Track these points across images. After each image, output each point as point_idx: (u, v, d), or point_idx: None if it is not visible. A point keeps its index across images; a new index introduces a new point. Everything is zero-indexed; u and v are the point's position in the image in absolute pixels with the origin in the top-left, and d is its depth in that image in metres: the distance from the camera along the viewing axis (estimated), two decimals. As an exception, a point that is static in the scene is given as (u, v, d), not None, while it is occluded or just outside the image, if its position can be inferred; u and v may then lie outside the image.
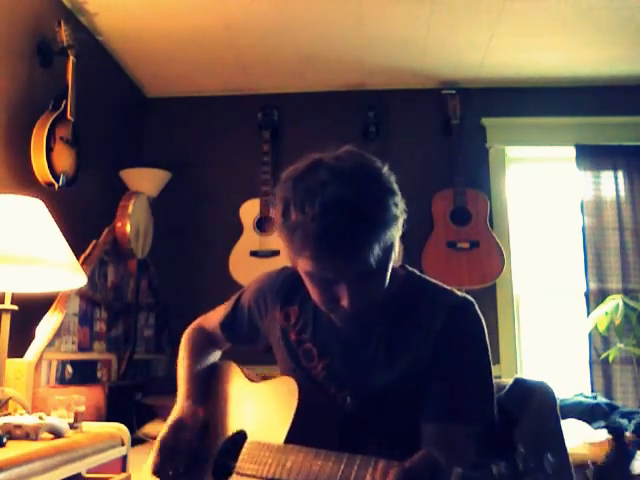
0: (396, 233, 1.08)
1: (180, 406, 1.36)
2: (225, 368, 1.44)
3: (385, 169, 1.09)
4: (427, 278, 1.23)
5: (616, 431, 0.66)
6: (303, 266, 1.08)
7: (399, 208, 1.07)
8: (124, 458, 1.93)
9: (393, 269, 1.21)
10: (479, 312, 1.15)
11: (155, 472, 1.27)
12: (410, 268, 1.24)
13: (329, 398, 1.18)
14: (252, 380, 1.35)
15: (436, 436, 1.05)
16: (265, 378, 1.30)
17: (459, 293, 1.18)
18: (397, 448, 0.94)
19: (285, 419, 1.11)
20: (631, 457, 0.64)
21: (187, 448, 1.30)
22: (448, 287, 1.19)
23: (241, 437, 1.23)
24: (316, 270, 1.06)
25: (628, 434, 2.50)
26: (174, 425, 1.31)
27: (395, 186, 1.08)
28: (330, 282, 1.06)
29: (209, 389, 1.42)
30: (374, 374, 1.15)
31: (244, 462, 1.16)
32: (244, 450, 1.19)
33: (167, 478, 1.28)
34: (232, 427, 1.29)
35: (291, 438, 1.09)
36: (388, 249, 1.07)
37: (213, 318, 1.46)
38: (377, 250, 1.03)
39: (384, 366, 1.14)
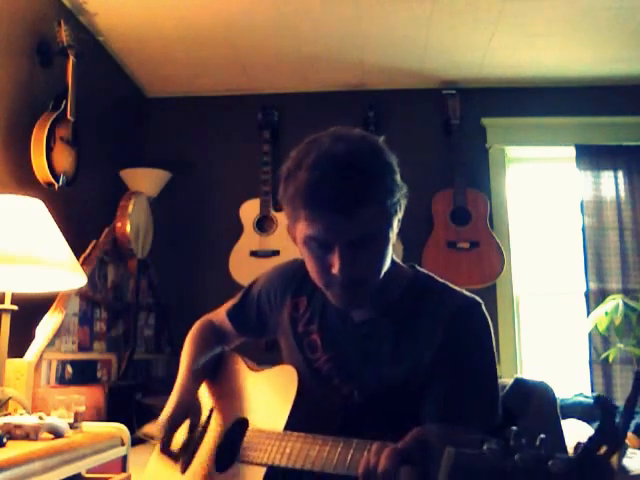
0: (394, 212, 1.09)
1: (179, 385, 1.38)
2: (228, 358, 1.45)
3: (386, 148, 1.12)
4: (436, 278, 1.22)
5: (602, 401, 0.65)
6: (299, 232, 1.09)
7: (397, 186, 1.09)
8: (124, 458, 1.93)
9: (402, 268, 1.22)
10: (486, 314, 1.14)
11: (163, 449, 1.32)
12: (419, 268, 1.24)
13: (332, 390, 1.18)
14: (253, 369, 1.36)
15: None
16: None
17: (467, 294, 1.17)
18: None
19: (284, 407, 1.13)
20: (621, 430, 0.64)
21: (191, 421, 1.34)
22: (457, 287, 1.19)
23: (244, 425, 1.24)
24: (309, 229, 1.06)
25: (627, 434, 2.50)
26: (177, 402, 1.34)
27: (394, 165, 1.10)
28: (324, 248, 1.07)
29: (212, 378, 1.43)
30: (378, 370, 1.15)
31: (246, 450, 1.17)
32: (246, 438, 1.20)
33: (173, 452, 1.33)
34: (235, 415, 1.30)
35: (291, 426, 1.10)
36: (383, 223, 1.08)
37: (221, 310, 1.48)
38: (367, 212, 1.04)
39: (389, 363, 1.14)
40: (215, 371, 1.44)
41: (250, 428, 1.22)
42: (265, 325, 1.38)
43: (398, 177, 1.10)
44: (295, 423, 1.10)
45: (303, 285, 1.28)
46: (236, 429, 1.25)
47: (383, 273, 1.12)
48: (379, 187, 1.06)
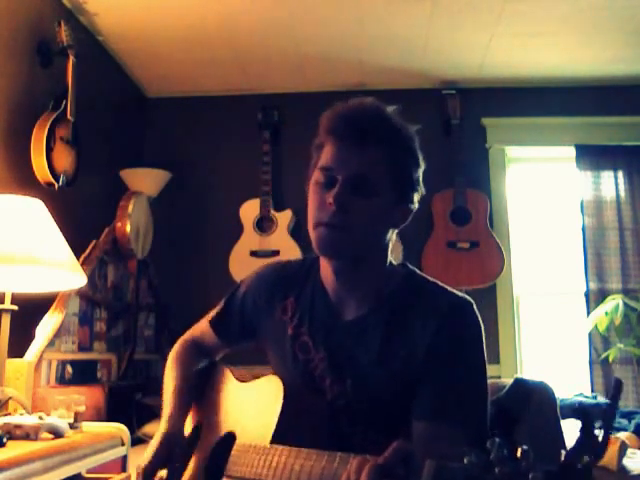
0: (401, 179, 1.17)
1: (165, 424, 1.30)
2: (214, 371, 1.43)
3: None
4: (427, 277, 1.22)
5: (581, 411, 0.65)
6: (314, 176, 1.16)
7: (412, 160, 1.22)
8: (124, 458, 1.93)
9: (394, 266, 1.22)
10: (477, 313, 1.14)
11: None
12: (411, 266, 1.24)
13: (323, 393, 1.17)
14: (240, 380, 1.34)
15: (422, 436, 1.05)
16: (257, 377, 1.28)
17: (458, 293, 1.17)
18: (386, 446, 0.94)
19: (271, 419, 1.11)
20: (603, 439, 0.63)
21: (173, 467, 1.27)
22: (448, 287, 1.18)
23: (232, 438, 1.22)
24: (323, 159, 1.14)
25: (627, 434, 2.50)
26: (162, 442, 1.26)
27: (416, 147, 1.25)
28: (328, 187, 1.11)
29: (201, 394, 1.40)
30: (369, 368, 1.14)
31: (234, 464, 1.16)
32: (233, 452, 1.18)
33: None
34: (223, 429, 1.28)
35: (278, 437, 1.09)
36: (385, 175, 1.13)
37: (203, 321, 1.46)
38: (372, 153, 1.11)
39: (380, 361, 1.14)
40: (202, 389, 1.41)
41: (238, 442, 1.20)
42: (250, 331, 1.34)
43: (420, 157, 1.25)
44: (284, 433, 1.09)
45: (289, 286, 1.27)
46: (224, 443, 1.23)
47: (368, 245, 1.14)
48: (390, 138, 1.14)
